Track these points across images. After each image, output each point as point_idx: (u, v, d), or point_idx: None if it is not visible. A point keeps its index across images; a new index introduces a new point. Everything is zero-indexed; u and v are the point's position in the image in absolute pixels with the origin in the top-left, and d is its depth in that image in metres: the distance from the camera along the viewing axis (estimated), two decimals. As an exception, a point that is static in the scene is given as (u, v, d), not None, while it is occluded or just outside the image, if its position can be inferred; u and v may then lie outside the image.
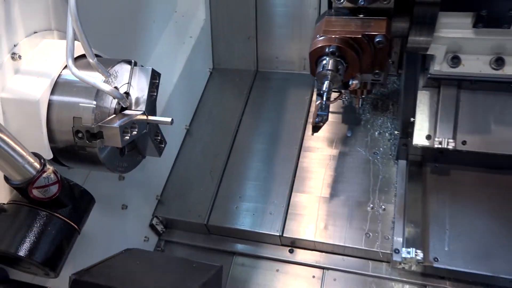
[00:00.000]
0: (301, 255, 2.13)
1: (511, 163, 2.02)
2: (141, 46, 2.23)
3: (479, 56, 1.69)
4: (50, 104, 1.27)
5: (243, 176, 2.34)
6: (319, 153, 2.37)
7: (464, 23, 1.51)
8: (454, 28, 1.55)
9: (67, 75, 1.31)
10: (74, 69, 1.15)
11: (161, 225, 2.30)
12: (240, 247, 2.20)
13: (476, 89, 1.88)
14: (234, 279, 2.14)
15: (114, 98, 1.26)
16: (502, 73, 1.70)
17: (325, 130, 2.42)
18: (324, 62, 1.39)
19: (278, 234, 2.12)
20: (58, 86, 1.29)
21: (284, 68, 2.79)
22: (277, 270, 2.14)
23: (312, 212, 2.16)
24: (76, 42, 1.28)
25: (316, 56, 1.41)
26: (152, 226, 2.25)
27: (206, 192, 2.31)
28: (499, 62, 1.68)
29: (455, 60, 1.72)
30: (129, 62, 1.39)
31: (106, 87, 1.19)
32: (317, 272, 2.10)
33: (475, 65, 1.71)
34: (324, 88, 1.37)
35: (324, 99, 1.37)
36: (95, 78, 1.21)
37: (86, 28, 1.17)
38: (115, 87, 1.30)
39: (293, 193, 2.23)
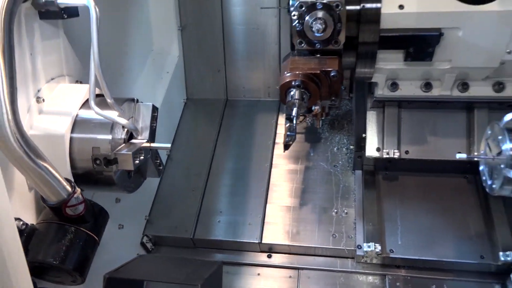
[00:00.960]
0: (278, 258, 2.43)
1: (445, 167, 2.44)
2: (125, 82, 2.51)
3: (411, 81, 2.11)
4: (71, 138, 1.53)
5: (223, 193, 2.63)
6: (287, 169, 2.71)
7: (398, 57, 1.92)
8: (390, 61, 1.95)
9: (83, 114, 1.58)
10: (97, 109, 1.43)
11: (150, 243, 2.53)
12: (223, 256, 2.47)
13: (413, 107, 2.31)
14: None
15: (129, 129, 1.55)
16: (430, 94, 2.12)
17: (291, 149, 2.74)
18: (292, 93, 1.74)
19: (257, 241, 2.41)
20: (77, 123, 1.56)
21: (251, 96, 3.14)
22: (258, 274, 2.42)
23: (285, 220, 2.48)
24: (85, 85, 1.56)
25: (285, 88, 1.76)
26: (142, 244, 2.49)
27: (190, 209, 2.58)
28: (427, 86, 2.10)
29: (394, 86, 2.13)
30: (132, 100, 1.68)
31: (123, 121, 1.48)
32: (293, 272, 2.40)
33: (410, 89, 2.13)
34: (293, 114, 1.72)
35: (295, 122, 1.72)
36: (113, 114, 1.49)
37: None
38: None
39: (267, 205, 2.55)
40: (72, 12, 1.55)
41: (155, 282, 1.24)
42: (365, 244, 2.24)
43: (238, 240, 2.44)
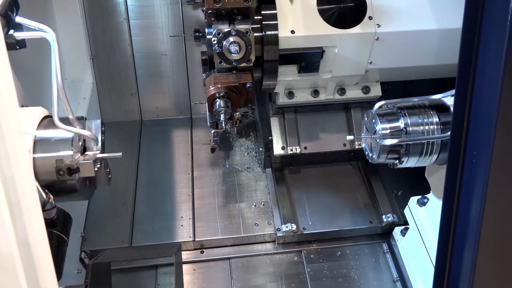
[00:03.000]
0: (210, 252, 2.76)
1: (335, 157, 3.04)
2: (46, 101, 2.63)
3: (304, 90, 2.66)
4: (34, 158, 1.71)
5: (153, 202, 2.88)
6: (207, 174, 3.07)
7: (293, 71, 2.45)
8: (288, 74, 2.47)
9: (40, 134, 1.77)
10: (63, 125, 1.66)
11: (87, 259, 2.66)
12: (161, 259, 2.71)
13: (306, 111, 2.87)
14: (161, 286, 2.64)
15: (92, 139, 1.78)
16: (318, 99, 2.69)
17: (209, 157, 3.13)
18: (218, 102, 2.14)
19: (191, 239, 2.71)
20: (37, 142, 1.74)
21: (164, 115, 3.45)
22: (194, 270, 2.71)
23: (213, 218, 2.82)
24: (34, 108, 1.77)
25: (211, 99, 2.16)
26: (81, 260, 2.60)
27: (123, 222, 2.77)
28: (316, 92, 2.67)
29: (291, 94, 2.66)
30: (82, 118, 1.91)
31: (87, 133, 1.72)
32: (225, 263, 2.74)
33: (303, 96, 2.67)
34: (221, 119, 2.11)
35: (223, 126, 2.11)
36: (76, 129, 1.72)
37: None
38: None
39: (195, 208, 2.87)
40: (22, 43, 1.74)
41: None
42: (283, 225, 2.70)
43: (173, 241, 2.71)
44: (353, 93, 2.72)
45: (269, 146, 2.94)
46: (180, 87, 3.38)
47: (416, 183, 2.54)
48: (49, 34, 1.61)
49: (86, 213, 2.80)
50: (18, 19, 1.57)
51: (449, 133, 1.86)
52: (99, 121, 1.95)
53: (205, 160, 3.15)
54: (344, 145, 2.88)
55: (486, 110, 1.26)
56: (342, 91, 2.70)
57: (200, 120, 3.40)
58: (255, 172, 3.10)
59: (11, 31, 1.60)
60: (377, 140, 1.98)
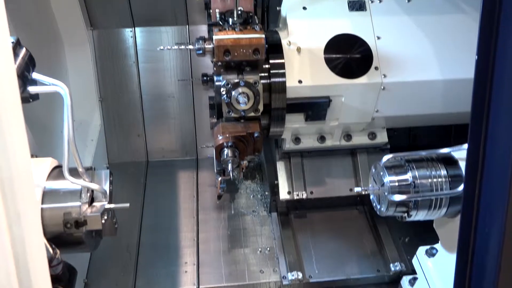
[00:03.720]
0: (215, 300, 2.71)
1: (341, 202, 3.02)
2: (55, 152, 2.65)
3: (310, 136, 2.68)
4: (42, 208, 1.71)
5: (157, 247, 2.85)
6: (213, 218, 3.05)
7: (300, 118, 2.47)
8: (295, 122, 2.49)
9: (50, 185, 1.78)
10: (72, 178, 1.66)
11: (90, 305, 2.61)
12: (165, 308, 2.67)
13: (312, 156, 2.87)
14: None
15: (101, 193, 1.78)
16: (325, 145, 2.70)
17: (214, 200, 3.12)
18: (225, 152, 2.15)
19: (195, 287, 2.66)
20: (46, 194, 1.74)
21: (170, 156, 3.46)
22: (198, 317, 2.66)
23: (218, 264, 2.78)
24: (45, 158, 1.78)
25: (219, 148, 2.17)
26: (84, 307, 2.56)
27: (127, 267, 2.73)
28: (322, 138, 2.69)
29: (297, 140, 2.68)
30: (90, 168, 1.92)
31: (96, 186, 1.72)
32: (230, 310, 2.69)
33: (309, 142, 2.69)
34: (229, 169, 2.11)
35: (231, 176, 2.11)
36: (84, 181, 1.72)
37: None
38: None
39: (200, 253, 2.83)
40: (35, 96, 1.77)
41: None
42: (289, 273, 2.65)
43: (177, 288, 2.66)
44: (360, 139, 2.73)
45: (275, 190, 2.92)
46: (186, 128, 3.41)
47: (423, 230, 2.50)
48: (63, 89, 1.64)
49: (90, 257, 2.77)
50: (34, 75, 1.60)
51: (458, 188, 1.86)
52: (108, 171, 1.95)
53: (210, 203, 3.14)
54: (351, 190, 2.86)
55: (500, 163, 1.25)
56: (348, 137, 2.71)
57: (206, 162, 3.40)
58: (261, 216, 3.08)
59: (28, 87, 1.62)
60: (385, 193, 1.97)
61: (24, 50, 1.53)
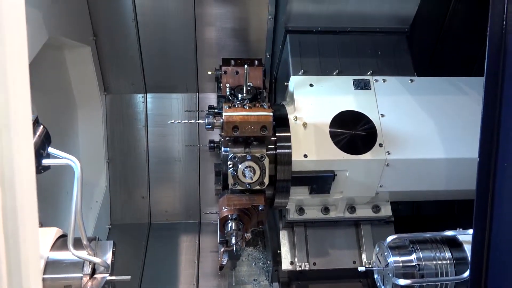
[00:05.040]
0: None
1: (344, 274, 2.96)
2: (59, 216, 2.66)
3: (314, 207, 2.69)
4: (44, 278, 1.70)
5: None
6: (213, 285, 3.00)
7: (305, 191, 2.49)
8: (300, 194, 2.51)
9: (53, 255, 1.78)
10: (76, 252, 1.66)
11: None
12: None
13: (316, 226, 2.86)
14: None
15: (103, 266, 1.77)
16: (328, 216, 2.70)
17: (216, 267, 3.07)
18: (230, 224, 2.16)
19: None
20: (48, 264, 1.74)
21: (173, 219, 3.45)
22: None
23: (216, 337, 2.70)
24: (50, 228, 1.79)
25: (223, 220, 2.18)
26: None
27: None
28: (326, 210, 2.69)
29: (301, 211, 2.68)
30: (94, 238, 1.92)
31: (98, 260, 1.72)
32: None
33: (313, 213, 2.69)
34: (232, 242, 2.11)
35: (234, 249, 2.10)
36: (87, 254, 1.73)
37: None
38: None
39: (198, 324, 2.76)
40: (47, 167, 1.82)
41: None
42: None
43: None
44: (363, 212, 2.73)
45: (277, 259, 2.88)
46: (191, 192, 3.43)
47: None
48: (74, 163, 1.68)
49: (84, 325, 2.69)
50: (50, 150, 1.66)
51: (464, 274, 1.84)
52: (111, 242, 1.95)
53: (211, 269, 3.10)
54: (354, 262, 2.83)
55: (507, 249, 1.25)
56: (352, 209, 2.72)
57: (209, 226, 3.39)
58: (262, 285, 3.02)
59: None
60: (389, 274, 1.95)
61: (41, 128, 1.59)
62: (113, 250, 1.97)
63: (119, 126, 3.31)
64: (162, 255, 3.18)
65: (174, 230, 3.38)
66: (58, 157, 1.71)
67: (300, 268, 2.75)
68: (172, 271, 3.06)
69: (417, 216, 3.42)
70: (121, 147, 3.33)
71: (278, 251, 2.83)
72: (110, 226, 3.33)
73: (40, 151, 1.56)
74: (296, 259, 2.78)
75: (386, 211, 2.74)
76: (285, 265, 2.78)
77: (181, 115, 3.32)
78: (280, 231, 2.87)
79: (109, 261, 1.91)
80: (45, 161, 1.73)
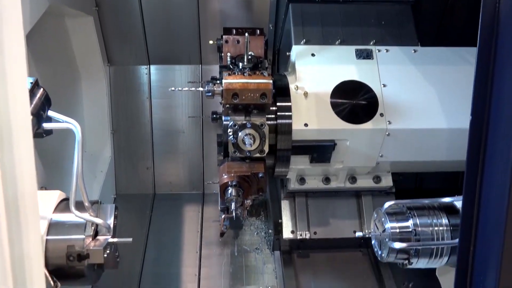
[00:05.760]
0: None
1: (345, 244, 3.00)
2: (63, 183, 2.72)
3: (315, 177, 2.71)
4: (47, 240, 1.76)
5: (158, 281, 2.85)
6: (216, 254, 3.06)
7: (305, 160, 2.51)
8: (300, 163, 2.53)
9: (56, 217, 1.83)
10: (78, 213, 1.71)
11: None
12: None
13: (317, 196, 2.89)
14: None
15: (105, 228, 1.82)
16: (329, 186, 2.73)
17: (218, 236, 3.13)
18: (230, 191, 2.19)
19: (194, 325, 2.65)
20: (51, 226, 1.79)
21: (177, 190, 3.51)
22: None
23: (220, 302, 2.77)
24: (53, 191, 1.84)
25: (224, 187, 2.21)
26: None
27: (129, 300, 2.74)
28: (327, 180, 2.71)
29: (302, 180, 2.71)
30: (96, 202, 1.97)
31: (99, 221, 1.77)
32: None
33: (314, 182, 2.71)
34: (232, 208, 2.15)
35: (234, 215, 2.15)
36: (89, 216, 1.77)
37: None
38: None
39: (201, 288, 2.84)
40: (49, 132, 1.85)
41: None
42: (290, 315, 2.63)
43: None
44: (364, 182, 2.75)
45: (278, 228, 2.93)
46: (194, 163, 3.47)
47: (427, 276, 2.48)
48: (75, 127, 1.71)
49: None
50: (50, 113, 1.69)
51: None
52: (113, 205, 1.99)
53: (214, 238, 3.16)
54: (354, 232, 2.85)
55: (495, 215, 1.26)
56: (353, 179, 2.73)
57: (212, 197, 3.44)
58: (264, 253, 3.07)
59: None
60: (386, 239, 1.98)
61: (41, 90, 1.62)
62: (115, 214, 2.01)
63: (123, 98, 3.33)
64: (166, 224, 3.24)
65: (178, 200, 3.44)
66: (59, 120, 1.74)
67: (301, 237, 2.79)
68: (175, 240, 3.13)
69: (419, 189, 3.43)
70: (125, 119, 3.36)
71: (280, 221, 2.87)
72: (115, 196, 3.39)
73: (40, 112, 1.59)
74: (297, 228, 2.82)
75: (387, 181, 2.75)
76: (286, 234, 2.82)
77: (184, 86, 3.32)
78: (282, 201, 2.91)
79: (111, 223, 1.97)
80: (46, 125, 1.76)
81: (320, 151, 2.43)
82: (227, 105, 2.19)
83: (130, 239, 1.95)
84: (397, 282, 2.85)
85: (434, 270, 2.28)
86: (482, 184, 1.23)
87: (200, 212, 3.35)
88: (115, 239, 1.95)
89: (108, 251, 1.88)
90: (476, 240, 1.23)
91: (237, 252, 3.07)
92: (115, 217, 2.02)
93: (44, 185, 2.00)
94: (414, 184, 3.43)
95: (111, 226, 1.97)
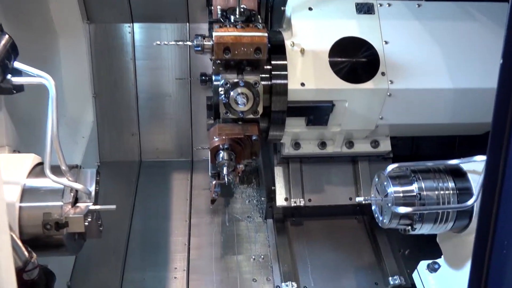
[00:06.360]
0: (205, 308, 2.59)
1: (340, 211, 2.91)
2: (40, 148, 2.53)
3: (311, 141, 2.57)
4: (20, 207, 1.59)
5: (146, 251, 2.73)
6: (206, 223, 2.93)
7: (301, 123, 2.36)
8: (296, 126, 2.38)
9: (31, 182, 1.66)
10: (53, 177, 1.54)
11: (72, 310, 2.49)
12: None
13: (312, 162, 2.75)
14: None
15: (84, 193, 1.66)
16: (325, 151, 2.59)
17: (208, 204, 3.00)
18: (221, 154, 2.04)
19: (184, 294, 2.55)
20: (25, 192, 1.63)
21: (164, 156, 3.34)
22: (186, 327, 2.54)
23: (209, 271, 2.66)
24: (27, 154, 1.67)
25: (214, 151, 2.05)
26: (66, 312, 2.43)
27: (113, 271, 2.61)
28: (323, 144, 2.58)
29: (297, 145, 2.56)
30: (76, 166, 1.80)
31: (79, 186, 1.60)
32: (219, 320, 2.57)
33: (309, 147, 2.58)
34: (224, 172, 2.00)
35: (226, 180, 2.00)
36: (67, 181, 1.61)
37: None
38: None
39: (191, 258, 2.71)
40: (20, 88, 1.66)
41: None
42: (283, 283, 2.53)
43: (165, 295, 2.54)
44: (362, 147, 2.62)
45: (271, 196, 2.81)
46: (182, 129, 3.30)
47: (425, 242, 2.40)
48: (47, 81, 1.52)
49: (75, 259, 2.64)
50: (17, 64, 1.50)
51: (468, 202, 1.74)
52: (94, 170, 1.83)
53: (204, 206, 3.03)
54: (350, 199, 2.75)
55: None
56: (350, 144, 2.60)
57: (201, 164, 3.29)
58: (256, 222, 2.96)
59: (9, 76, 1.51)
60: (389, 204, 1.86)
61: (6, 37, 1.42)
62: (96, 179, 1.85)
63: (105, 59, 3.11)
64: (153, 192, 3.10)
65: (165, 167, 3.28)
66: (31, 74, 1.55)
67: (295, 204, 2.67)
68: (163, 209, 2.99)
69: (415, 155, 3.32)
70: (108, 81, 3.15)
71: (273, 188, 2.74)
72: (99, 164, 3.22)
73: (5, 61, 1.40)
74: (291, 195, 2.70)
75: (385, 146, 2.62)
76: (280, 201, 2.70)
77: (170, 46, 3.11)
78: (275, 167, 2.77)
79: (92, 189, 1.81)
80: (15, 79, 1.57)
81: (317, 112, 2.27)
82: (218, 61, 2.01)
83: (114, 206, 1.80)
84: (393, 249, 2.77)
85: (431, 236, 2.19)
86: (510, 141, 1.08)
87: (189, 179, 3.20)
88: (97, 206, 1.80)
89: (89, 219, 1.73)
90: (500, 201, 1.10)
91: (228, 221, 2.95)
92: (97, 183, 1.86)
93: (16, 148, 1.82)
94: (410, 151, 3.32)
95: (93, 192, 1.81)
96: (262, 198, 3.04)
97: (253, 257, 2.75)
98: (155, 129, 3.28)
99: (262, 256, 2.75)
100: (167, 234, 2.84)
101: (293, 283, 2.52)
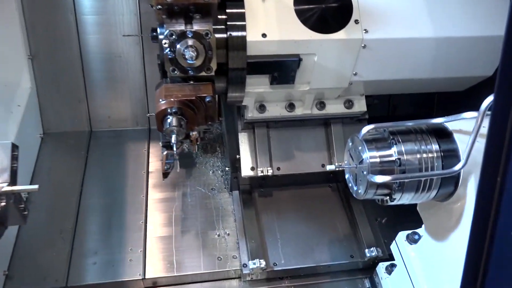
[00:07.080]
0: (164, 292, 2.34)
1: (312, 179, 2.67)
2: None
3: (277, 103, 2.29)
4: None
5: (96, 232, 2.44)
6: (164, 197, 2.65)
7: (264, 81, 2.06)
8: (258, 85, 2.08)
9: None
10: None
11: (12, 302, 2.20)
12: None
13: (279, 127, 2.47)
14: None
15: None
16: (294, 114, 2.32)
17: (169, 180, 2.70)
18: (169, 120, 1.73)
19: (140, 278, 2.28)
20: None
21: (118, 126, 3.00)
22: (145, 313, 2.29)
23: (168, 251, 2.40)
24: None
25: (161, 116, 1.74)
26: (3, 304, 2.14)
27: (59, 255, 2.32)
28: (291, 106, 2.30)
29: (262, 108, 2.28)
30: (-15, 139, 1.47)
31: (-20, 165, 1.28)
32: (181, 304, 2.33)
33: (276, 110, 2.29)
34: (172, 141, 1.70)
35: (175, 150, 1.70)
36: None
37: None
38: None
39: (147, 237, 2.44)
40: None
41: None
42: (250, 261, 2.30)
43: (118, 280, 2.27)
44: (334, 108, 2.36)
45: (236, 165, 2.54)
46: (136, 94, 2.95)
47: (403, 210, 2.19)
48: None
49: (14, 244, 2.33)
50: None
51: (454, 167, 1.50)
52: (9, 143, 1.50)
53: (162, 180, 2.72)
54: (323, 166, 2.50)
55: None
56: (321, 105, 2.33)
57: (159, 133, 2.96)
58: (221, 195, 2.69)
59: None
60: (364, 172, 1.61)
61: None
62: (13, 154, 1.53)
63: (41, 14, 2.69)
64: (105, 165, 2.78)
65: (119, 137, 2.95)
66: None
67: (262, 174, 2.41)
68: (117, 184, 2.68)
69: (393, 116, 3.09)
70: (47, 41, 2.74)
71: (238, 156, 2.47)
72: (42, 135, 2.86)
73: None
74: (257, 164, 2.43)
75: (360, 106, 2.37)
76: (245, 171, 2.43)
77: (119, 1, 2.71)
78: (239, 134, 2.48)
79: (7, 166, 1.48)
80: None
81: (282, 69, 1.97)
82: (159, 7, 1.66)
83: (36, 186, 1.49)
84: (370, 219, 2.57)
85: (410, 205, 1.97)
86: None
87: (145, 150, 2.89)
88: (15, 187, 1.49)
89: (4, 202, 1.42)
90: (507, 169, 0.84)
91: (189, 194, 2.67)
92: (15, 159, 1.53)
93: None
94: (387, 112, 3.09)
95: (8, 170, 1.49)
96: (227, 168, 2.76)
97: (218, 233, 2.50)
98: (105, 95, 2.92)
99: (227, 232, 2.51)
100: (121, 211, 2.54)
101: (261, 260, 2.29)
